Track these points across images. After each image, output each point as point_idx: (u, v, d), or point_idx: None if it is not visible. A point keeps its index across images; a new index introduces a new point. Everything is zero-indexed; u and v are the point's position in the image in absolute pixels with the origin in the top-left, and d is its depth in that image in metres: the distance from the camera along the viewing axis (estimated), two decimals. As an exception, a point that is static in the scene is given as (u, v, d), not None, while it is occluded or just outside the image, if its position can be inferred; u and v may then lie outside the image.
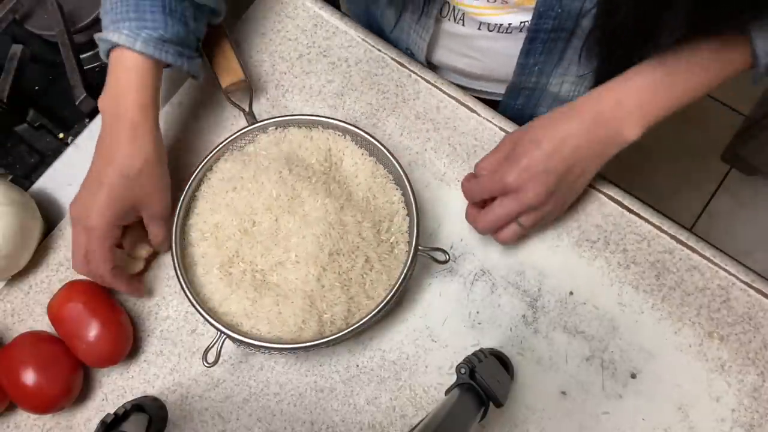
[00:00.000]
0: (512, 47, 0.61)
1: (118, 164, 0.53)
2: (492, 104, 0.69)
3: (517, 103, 0.70)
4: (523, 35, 0.59)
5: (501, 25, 0.59)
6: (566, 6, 0.54)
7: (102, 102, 0.55)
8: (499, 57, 0.65)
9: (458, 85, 0.71)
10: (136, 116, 0.54)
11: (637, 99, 0.53)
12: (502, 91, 0.70)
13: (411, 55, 0.70)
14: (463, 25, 0.62)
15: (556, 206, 0.57)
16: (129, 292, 0.60)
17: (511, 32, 0.60)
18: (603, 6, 0.51)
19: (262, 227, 0.56)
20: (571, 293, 0.60)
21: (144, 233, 0.60)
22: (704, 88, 0.54)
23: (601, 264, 0.61)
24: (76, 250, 0.56)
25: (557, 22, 0.56)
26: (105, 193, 0.53)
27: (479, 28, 0.61)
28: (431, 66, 0.74)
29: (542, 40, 0.59)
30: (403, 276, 0.54)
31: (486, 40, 0.63)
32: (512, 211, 0.55)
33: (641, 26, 0.49)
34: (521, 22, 0.58)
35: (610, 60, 0.57)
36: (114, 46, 0.54)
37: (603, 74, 0.59)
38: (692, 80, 0.53)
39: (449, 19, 0.63)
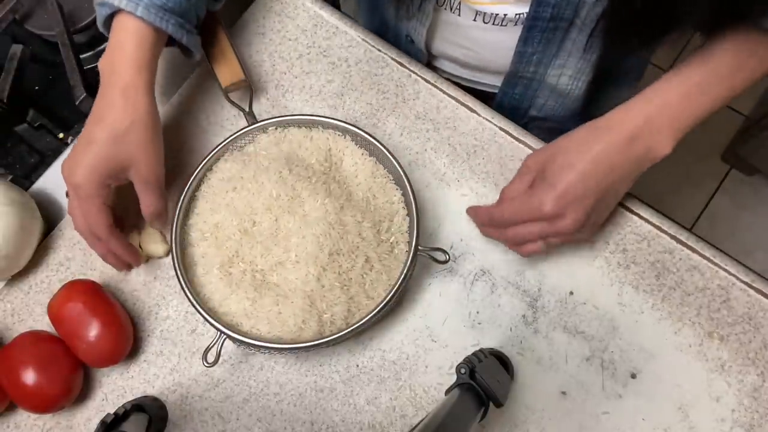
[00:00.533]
0: (507, 40, 0.62)
1: (107, 123, 0.53)
2: (490, 96, 0.69)
3: (515, 93, 0.70)
4: (518, 28, 0.60)
5: (497, 15, 0.60)
6: None
7: (101, 63, 0.56)
8: (494, 49, 0.65)
9: (456, 81, 0.71)
10: (129, 77, 0.54)
11: (668, 114, 0.52)
12: (499, 84, 0.70)
13: (411, 42, 0.71)
14: (459, 14, 0.63)
15: (590, 229, 0.56)
16: (126, 256, 0.59)
17: (506, 24, 0.61)
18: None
19: (262, 227, 0.56)
20: (571, 293, 0.60)
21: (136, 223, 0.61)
22: (729, 96, 0.53)
23: (601, 264, 0.61)
24: (70, 210, 0.56)
25: (556, 10, 0.56)
26: (92, 151, 0.53)
27: (475, 19, 0.62)
28: (430, 55, 0.74)
29: (540, 28, 0.59)
30: (403, 276, 0.54)
31: (481, 31, 0.63)
32: (546, 233, 0.54)
33: (658, 14, 0.48)
34: (516, 15, 0.59)
35: (617, 49, 0.56)
36: (115, 11, 0.54)
37: (603, 67, 0.59)
38: (717, 90, 0.52)
39: (446, 8, 0.63)
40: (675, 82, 0.52)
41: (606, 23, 0.53)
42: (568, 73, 0.65)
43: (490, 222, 0.57)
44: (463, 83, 0.77)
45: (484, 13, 0.60)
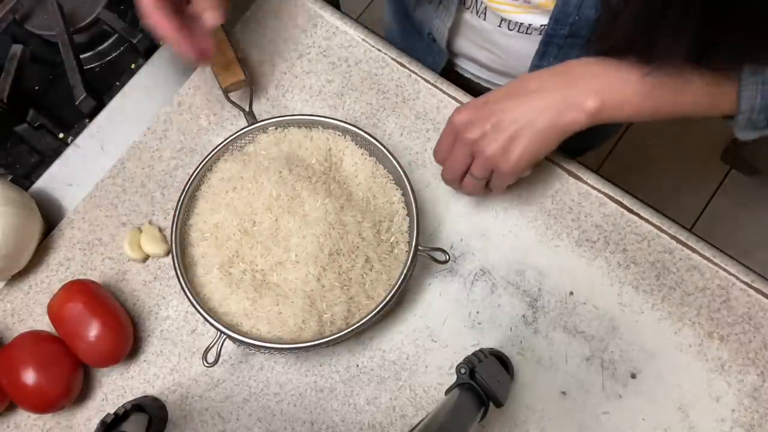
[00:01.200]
0: (531, 48, 0.61)
1: None
2: None
3: None
4: (541, 37, 0.59)
5: (522, 24, 0.59)
6: (583, 14, 0.53)
7: None
8: (518, 56, 0.64)
9: (477, 82, 0.70)
10: None
11: (621, 94, 0.51)
12: None
13: (433, 41, 0.71)
14: (484, 19, 0.62)
15: (495, 152, 0.53)
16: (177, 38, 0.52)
17: (530, 33, 0.60)
18: (603, 20, 0.50)
19: (262, 227, 0.56)
20: (571, 293, 0.60)
21: None
22: (683, 113, 0.52)
23: (601, 264, 0.61)
24: None
25: (573, 28, 0.56)
26: None
27: (500, 25, 0.62)
28: (452, 54, 0.74)
29: (557, 45, 0.58)
30: (403, 276, 0.54)
31: (506, 38, 0.63)
32: (467, 153, 0.54)
33: (638, 43, 0.48)
34: (541, 25, 0.58)
35: None
36: None
37: None
38: (673, 102, 0.51)
39: (472, 11, 0.63)
40: (638, 72, 0.50)
41: (594, 47, 0.53)
42: None
43: (437, 158, 0.58)
44: (485, 84, 0.77)
45: (509, 21, 0.60)
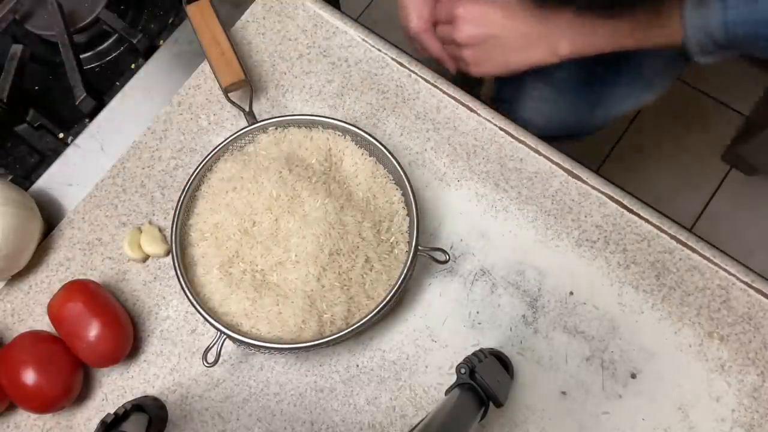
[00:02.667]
0: None
1: None
2: None
3: None
4: None
5: None
6: None
7: None
8: None
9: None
10: None
11: (589, 34, 0.60)
12: None
13: None
14: None
15: (470, 58, 0.65)
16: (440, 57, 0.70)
17: None
18: None
19: (262, 227, 0.56)
20: (571, 293, 0.60)
21: None
22: (630, 44, 0.60)
23: (601, 264, 0.61)
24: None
25: None
26: None
27: None
28: None
29: None
30: (403, 276, 0.54)
31: None
32: (447, 37, 0.66)
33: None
34: None
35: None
36: None
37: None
38: (620, 34, 0.60)
39: None
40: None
41: None
42: None
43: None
44: None
45: None
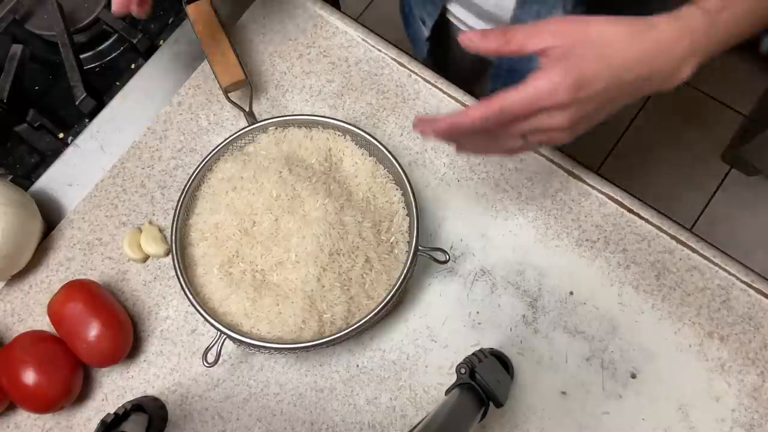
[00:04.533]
0: None
1: None
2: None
3: None
4: None
5: None
6: None
7: None
8: None
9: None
10: None
11: (690, 38, 0.45)
12: None
13: None
14: None
15: (573, 132, 0.47)
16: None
17: None
18: None
19: (262, 227, 0.56)
20: (571, 293, 0.60)
21: None
22: (743, 36, 0.48)
23: (601, 264, 0.61)
24: None
25: None
26: None
27: None
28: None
29: None
30: (403, 276, 0.54)
31: None
32: (537, 128, 0.45)
33: None
34: None
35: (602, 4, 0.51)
36: None
37: None
38: (733, 29, 0.47)
39: None
40: (697, 14, 0.46)
41: None
42: None
43: (478, 123, 0.44)
44: None
45: None
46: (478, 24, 0.75)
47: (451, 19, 0.79)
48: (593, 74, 0.43)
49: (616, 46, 0.44)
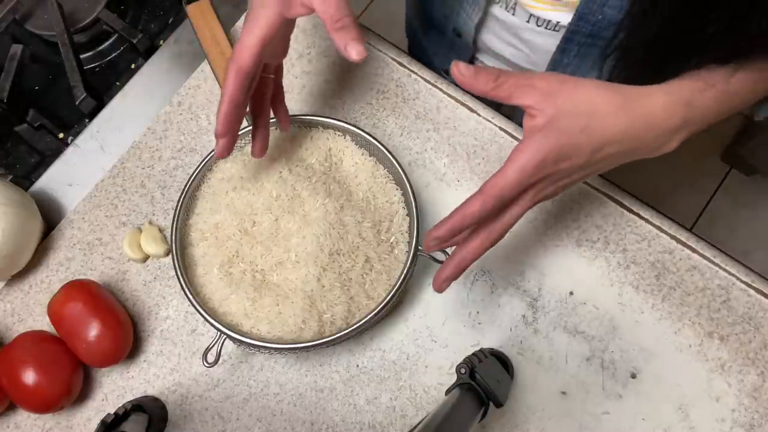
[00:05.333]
0: (557, 45, 0.61)
1: None
2: None
3: None
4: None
5: (549, 21, 0.59)
6: (606, 14, 0.53)
7: None
8: (543, 53, 0.64)
9: None
10: None
11: (683, 114, 0.46)
12: None
13: (458, 36, 0.70)
14: (513, 14, 0.62)
15: (557, 191, 0.47)
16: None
17: (559, 30, 0.60)
18: (635, 16, 0.47)
19: (262, 227, 0.56)
20: (571, 293, 0.60)
21: None
22: (737, 110, 0.50)
23: (601, 264, 0.61)
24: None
25: (595, 28, 0.55)
26: None
27: (528, 21, 0.61)
28: (476, 49, 0.73)
29: (578, 42, 0.58)
30: (403, 276, 0.54)
31: (534, 34, 0.62)
32: (532, 203, 0.45)
33: (675, 41, 0.45)
34: (569, 23, 0.58)
35: (637, 75, 0.50)
36: None
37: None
38: (728, 105, 0.48)
39: (501, 6, 0.62)
40: (696, 85, 0.47)
41: (623, 46, 0.50)
42: None
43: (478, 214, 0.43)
44: None
45: (538, 17, 0.59)
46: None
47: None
48: (575, 149, 0.43)
49: (603, 116, 0.43)
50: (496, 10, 0.64)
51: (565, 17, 0.57)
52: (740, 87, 0.47)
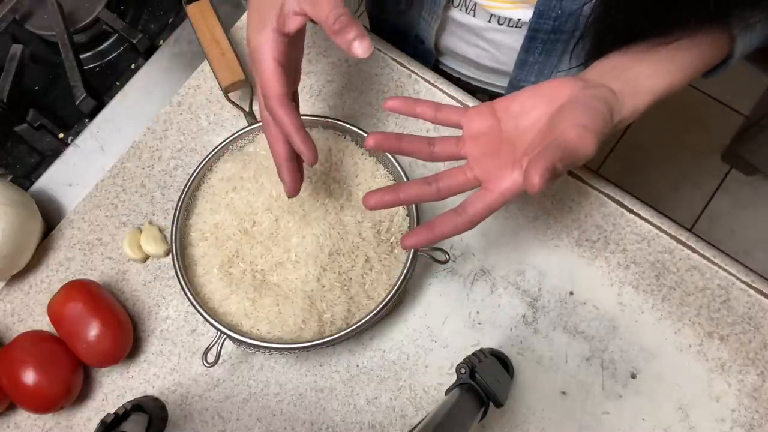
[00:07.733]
0: (521, 42, 0.61)
1: None
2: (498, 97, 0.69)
3: None
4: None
5: (511, 19, 0.59)
6: (566, 7, 0.53)
7: None
8: (508, 50, 0.64)
9: (464, 80, 0.69)
10: None
11: (635, 83, 0.48)
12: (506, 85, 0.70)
13: (421, 43, 0.70)
14: (474, 15, 0.62)
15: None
16: (301, 143, 0.46)
17: (521, 27, 0.60)
18: (599, 9, 0.48)
19: (262, 227, 0.56)
20: (571, 293, 0.60)
21: None
22: (685, 82, 0.50)
23: (601, 264, 0.61)
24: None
25: (557, 23, 0.56)
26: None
27: (489, 21, 0.61)
28: (439, 53, 0.74)
29: (542, 40, 0.58)
30: (403, 276, 0.54)
31: (496, 33, 0.63)
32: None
33: (636, 26, 0.47)
34: (530, 19, 0.58)
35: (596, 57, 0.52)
36: None
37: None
38: (677, 74, 0.49)
39: (461, 9, 0.63)
40: (643, 57, 0.48)
41: (592, 30, 0.51)
42: None
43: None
44: (472, 82, 0.77)
45: (499, 16, 0.60)
46: (478, 74, 0.74)
47: (446, 69, 0.78)
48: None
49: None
50: (456, 14, 0.64)
51: (526, 14, 0.58)
52: (674, 54, 0.49)
